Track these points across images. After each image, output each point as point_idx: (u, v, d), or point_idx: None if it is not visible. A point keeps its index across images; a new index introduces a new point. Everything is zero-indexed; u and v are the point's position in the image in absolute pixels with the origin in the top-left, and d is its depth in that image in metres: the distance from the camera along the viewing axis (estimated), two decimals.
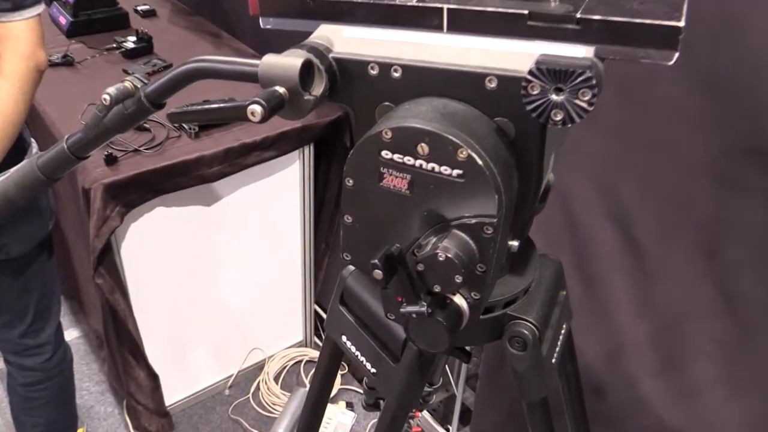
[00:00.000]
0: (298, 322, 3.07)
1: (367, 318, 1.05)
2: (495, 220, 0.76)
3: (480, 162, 0.75)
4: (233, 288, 2.74)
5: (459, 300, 0.82)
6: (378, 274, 0.78)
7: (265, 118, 0.76)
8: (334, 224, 2.85)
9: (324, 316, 2.87)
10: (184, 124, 2.38)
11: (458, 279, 0.78)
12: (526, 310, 0.94)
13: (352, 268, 1.08)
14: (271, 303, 2.91)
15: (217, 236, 2.56)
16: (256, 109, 0.76)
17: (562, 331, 1.01)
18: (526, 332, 0.93)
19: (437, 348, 0.82)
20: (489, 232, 0.77)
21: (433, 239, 0.79)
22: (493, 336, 0.95)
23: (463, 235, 0.78)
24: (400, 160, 0.78)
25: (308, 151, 2.58)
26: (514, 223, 0.82)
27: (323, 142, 2.60)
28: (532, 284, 0.97)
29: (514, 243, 0.86)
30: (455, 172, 0.76)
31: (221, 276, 2.67)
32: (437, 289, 0.80)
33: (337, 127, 2.54)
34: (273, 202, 2.64)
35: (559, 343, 1.00)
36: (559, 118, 0.71)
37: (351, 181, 0.81)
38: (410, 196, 0.79)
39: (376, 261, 0.78)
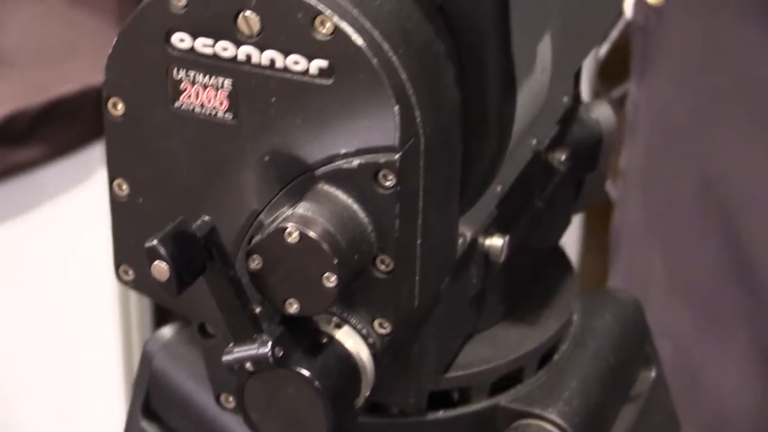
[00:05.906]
0: None
1: None
2: (397, 158, 0.38)
3: (359, 40, 0.38)
4: None
5: (345, 334, 0.41)
6: (161, 269, 0.38)
7: None
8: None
9: None
10: None
11: (331, 282, 0.38)
12: (542, 400, 0.49)
13: (165, 335, 0.55)
14: None
15: None
16: None
17: None
18: None
19: None
20: (389, 182, 0.38)
21: (286, 209, 0.40)
22: None
23: (339, 193, 0.39)
24: (209, 52, 0.40)
25: None
26: (474, 184, 0.43)
27: None
28: (562, 346, 0.52)
29: (494, 241, 0.46)
30: (315, 65, 0.39)
31: None
32: (293, 308, 0.40)
33: None
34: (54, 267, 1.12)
35: None
36: None
37: (120, 107, 0.42)
38: (235, 125, 0.40)
39: (154, 243, 0.37)
